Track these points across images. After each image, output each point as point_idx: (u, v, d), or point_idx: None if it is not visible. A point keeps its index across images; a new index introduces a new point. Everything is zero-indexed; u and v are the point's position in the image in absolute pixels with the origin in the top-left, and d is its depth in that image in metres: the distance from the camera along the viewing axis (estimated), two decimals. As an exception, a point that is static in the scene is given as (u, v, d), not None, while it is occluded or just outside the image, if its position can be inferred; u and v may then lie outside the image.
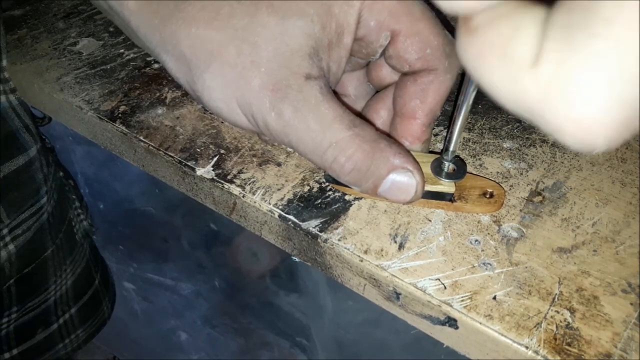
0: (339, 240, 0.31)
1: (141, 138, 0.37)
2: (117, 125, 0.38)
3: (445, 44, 0.30)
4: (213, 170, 0.35)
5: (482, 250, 0.30)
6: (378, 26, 0.30)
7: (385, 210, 0.32)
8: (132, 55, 0.44)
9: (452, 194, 0.32)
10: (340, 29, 0.29)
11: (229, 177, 0.34)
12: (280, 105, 0.28)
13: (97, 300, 0.64)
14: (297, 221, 0.32)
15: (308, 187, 0.34)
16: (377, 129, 0.31)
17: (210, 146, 0.36)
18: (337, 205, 0.33)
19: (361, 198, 0.33)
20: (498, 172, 0.35)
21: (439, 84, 0.31)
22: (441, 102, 0.32)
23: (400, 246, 0.30)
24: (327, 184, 0.34)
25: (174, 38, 0.29)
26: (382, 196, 0.30)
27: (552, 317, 0.27)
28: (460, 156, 0.36)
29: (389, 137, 0.32)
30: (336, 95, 0.31)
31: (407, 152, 0.30)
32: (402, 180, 0.29)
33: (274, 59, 0.28)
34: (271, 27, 0.28)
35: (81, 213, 0.60)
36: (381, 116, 0.34)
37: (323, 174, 0.34)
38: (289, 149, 0.36)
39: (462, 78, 0.29)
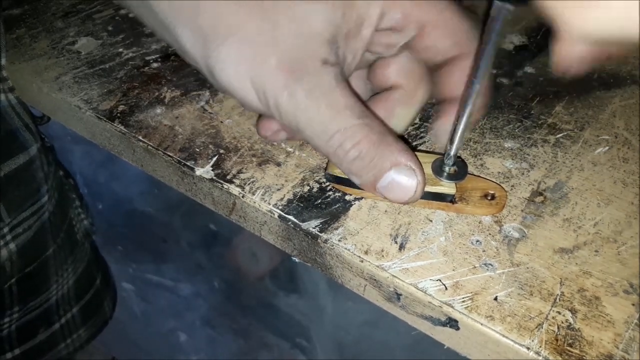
0: (339, 240, 0.30)
1: (140, 138, 0.37)
2: (115, 124, 0.37)
3: (472, 27, 0.31)
4: (212, 170, 0.34)
5: (484, 251, 0.30)
6: (404, 17, 0.30)
7: (385, 211, 0.32)
8: (130, 55, 0.43)
9: (453, 195, 0.31)
10: (360, 20, 0.30)
11: (228, 177, 0.34)
12: (294, 86, 0.28)
13: (99, 300, 0.63)
14: (297, 221, 0.32)
15: (308, 187, 0.33)
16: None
17: (210, 146, 0.36)
18: (338, 205, 0.32)
19: (361, 198, 0.33)
20: (499, 172, 0.34)
21: None
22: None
23: (401, 247, 0.30)
24: (327, 183, 0.34)
25: (195, 10, 0.29)
26: (380, 193, 0.30)
27: (553, 317, 0.27)
28: (462, 156, 0.35)
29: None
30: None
31: (412, 152, 0.30)
32: (403, 178, 0.29)
33: (293, 40, 0.28)
34: (294, 8, 0.28)
35: (82, 212, 0.60)
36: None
37: (323, 173, 0.34)
38: (289, 149, 0.36)
39: (467, 84, 0.29)
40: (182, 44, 0.31)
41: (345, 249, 0.30)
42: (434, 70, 0.33)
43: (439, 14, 0.30)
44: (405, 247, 0.30)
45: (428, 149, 0.36)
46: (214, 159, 0.35)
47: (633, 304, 0.28)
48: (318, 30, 0.29)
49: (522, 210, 0.32)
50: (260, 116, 0.36)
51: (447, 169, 0.31)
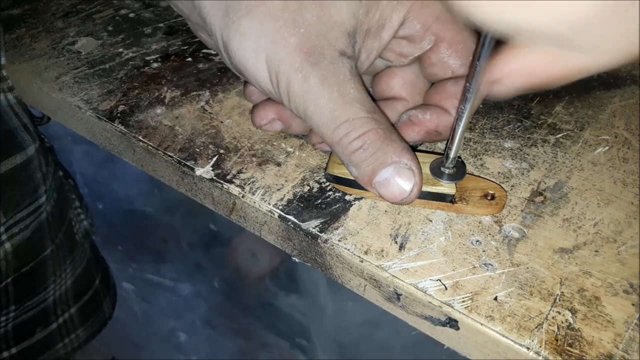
0: (339, 240, 0.30)
1: (140, 138, 0.37)
2: (115, 125, 0.37)
3: None
4: (212, 170, 0.34)
5: (483, 251, 0.30)
6: (424, 29, 0.30)
7: (385, 211, 0.32)
8: (130, 55, 0.43)
9: (453, 195, 0.31)
10: (382, 21, 0.30)
11: (228, 177, 0.34)
12: (309, 70, 0.28)
13: (98, 300, 0.63)
14: (297, 221, 0.32)
15: (308, 187, 0.33)
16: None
17: (210, 146, 0.36)
18: (338, 205, 0.32)
19: (361, 198, 0.33)
20: (499, 172, 0.34)
21: None
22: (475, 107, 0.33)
23: (401, 247, 0.30)
24: (327, 183, 0.34)
25: None
26: (375, 189, 0.30)
27: (553, 317, 0.27)
28: (462, 156, 0.35)
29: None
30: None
31: (414, 154, 0.30)
32: (401, 177, 0.29)
33: (316, 25, 0.28)
34: None
35: (81, 213, 0.60)
36: None
37: (323, 173, 0.34)
38: (289, 149, 0.36)
39: (465, 87, 0.29)
40: (201, 10, 0.30)
41: (345, 249, 0.30)
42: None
43: (458, 33, 0.30)
44: (405, 247, 0.30)
45: (427, 149, 0.36)
46: (214, 159, 0.35)
47: (633, 304, 0.28)
48: (340, 20, 0.29)
49: (522, 210, 0.32)
50: (255, 105, 0.36)
51: (446, 169, 0.31)
